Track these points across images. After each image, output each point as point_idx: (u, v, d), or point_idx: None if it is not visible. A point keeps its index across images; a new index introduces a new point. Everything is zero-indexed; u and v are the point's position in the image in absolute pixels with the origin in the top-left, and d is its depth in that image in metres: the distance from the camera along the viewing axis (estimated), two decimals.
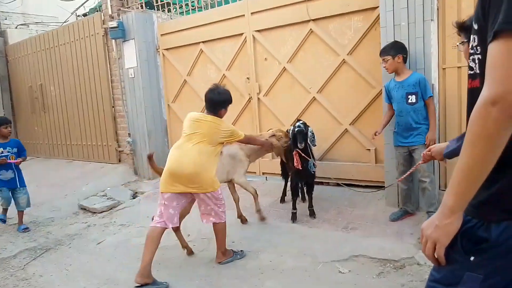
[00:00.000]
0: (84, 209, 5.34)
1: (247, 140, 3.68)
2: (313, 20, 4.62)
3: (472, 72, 1.15)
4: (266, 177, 5.40)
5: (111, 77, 6.69)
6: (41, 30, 9.65)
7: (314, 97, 4.75)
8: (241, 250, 3.51)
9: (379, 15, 3.99)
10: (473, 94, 1.02)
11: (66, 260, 3.77)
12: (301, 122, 4.01)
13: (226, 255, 3.38)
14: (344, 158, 4.66)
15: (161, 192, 3.20)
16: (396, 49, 3.53)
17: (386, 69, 3.62)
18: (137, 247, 3.85)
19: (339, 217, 3.99)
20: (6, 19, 10.02)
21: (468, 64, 1.17)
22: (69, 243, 4.21)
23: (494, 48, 0.98)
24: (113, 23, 6.00)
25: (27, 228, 4.72)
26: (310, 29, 4.64)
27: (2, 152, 4.69)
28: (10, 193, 4.79)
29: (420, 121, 3.55)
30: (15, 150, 4.78)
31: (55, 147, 8.32)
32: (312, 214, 4.07)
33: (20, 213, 4.77)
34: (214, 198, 3.23)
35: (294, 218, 4.04)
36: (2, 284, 3.38)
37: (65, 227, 4.75)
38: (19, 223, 4.75)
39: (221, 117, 3.32)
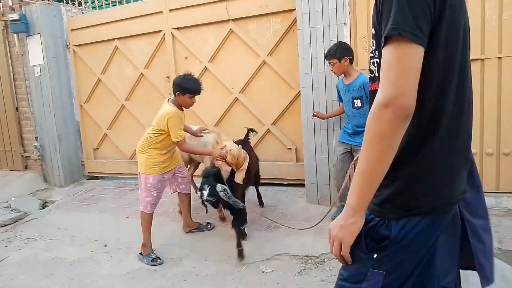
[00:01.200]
0: None
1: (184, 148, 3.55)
2: (232, 19, 4.59)
3: (372, 75, 1.20)
4: None
5: (13, 75, 6.03)
6: None
7: (236, 97, 4.73)
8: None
9: (296, 17, 4.09)
10: (373, 96, 1.05)
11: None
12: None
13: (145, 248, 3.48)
14: (267, 157, 4.71)
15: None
16: (342, 52, 3.46)
17: (334, 72, 3.56)
18: (45, 263, 3.52)
19: (262, 217, 4.02)
20: None
21: (369, 68, 1.21)
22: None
23: (385, 53, 1.02)
24: (14, 16, 5.41)
25: None
26: (230, 29, 4.62)
27: None
28: None
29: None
30: None
31: None
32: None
33: None
34: (143, 182, 3.41)
35: (240, 255, 3.28)
36: None
37: None
38: None
39: (178, 105, 3.42)
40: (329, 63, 3.54)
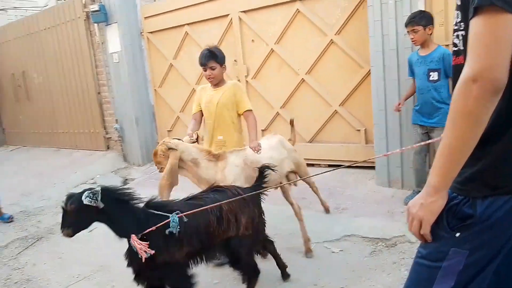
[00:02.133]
0: None
1: None
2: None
3: (456, 49, 1.15)
4: None
5: (95, 63, 6.54)
6: (20, 15, 9.33)
7: (303, 78, 4.71)
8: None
9: None
10: (458, 71, 1.01)
11: (58, 248, 3.74)
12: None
13: None
14: (334, 139, 4.67)
15: None
16: (428, 19, 3.27)
17: (414, 41, 3.36)
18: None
19: (330, 198, 4.01)
20: None
21: (453, 41, 1.16)
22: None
23: (475, 25, 0.97)
24: (95, 7, 5.83)
25: (11, 216, 4.66)
26: (297, 9, 4.57)
27: None
28: None
29: (443, 100, 3.31)
30: None
31: (41, 135, 8.17)
32: None
33: None
34: None
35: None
36: None
37: (56, 216, 4.68)
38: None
39: None
40: (412, 30, 3.31)
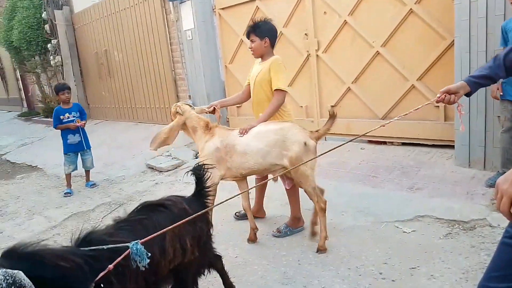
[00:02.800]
0: (151, 168, 5.64)
1: None
2: None
3: None
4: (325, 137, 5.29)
5: (170, 40, 6.80)
6: None
7: (377, 51, 4.49)
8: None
9: None
10: None
11: None
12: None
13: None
14: (410, 116, 4.38)
15: None
16: None
17: None
18: None
19: (403, 177, 3.85)
20: None
21: None
22: (139, 198, 4.50)
23: None
24: None
25: (95, 183, 5.17)
26: None
27: (68, 118, 5.03)
28: (77, 157, 5.16)
29: None
30: (78, 114, 5.11)
31: (121, 110, 8.78)
32: None
33: (87, 172, 5.24)
34: None
35: None
36: None
37: (135, 184, 5.07)
38: (87, 180, 5.23)
39: None
40: None
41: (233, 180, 3.06)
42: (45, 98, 11.31)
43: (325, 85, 5.07)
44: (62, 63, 9.87)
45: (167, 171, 5.41)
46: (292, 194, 3.20)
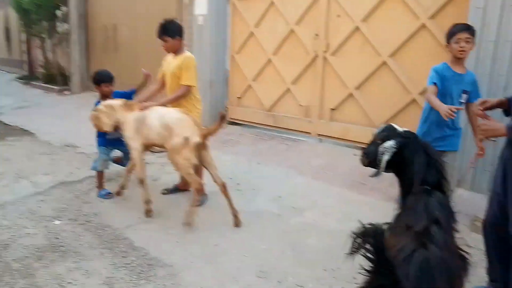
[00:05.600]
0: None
1: None
2: None
3: None
4: (320, 139, 5.31)
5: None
6: None
7: (384, 61, 4.48)
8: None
9: None
10: None
11: (127, 192, 4.01)
12: None
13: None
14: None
15: None
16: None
17: (461, 52, 2.88)
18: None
19: (391, 188, 3.85)
20: None
21: None
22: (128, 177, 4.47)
23: None
24: None
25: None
26: None
27: None
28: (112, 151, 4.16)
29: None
30: None
31: (123, 86, 8.68)
32: None
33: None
34: None
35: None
36: (71, 204, 3.71)
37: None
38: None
39: None
40: (466, 39, 2.86)
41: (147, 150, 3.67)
42: (47, 64, 11.22)
43: (328, 88, 5.06)
44: (69, 31, 9.78)
45: (159, 152, 5.38)
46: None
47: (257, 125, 6.11)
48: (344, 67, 4.89)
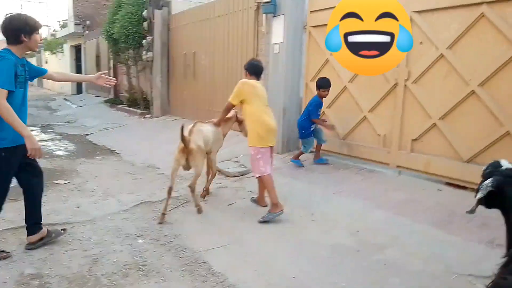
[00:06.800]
0: (218, 171, 5.78)
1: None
2: (487, 2, 4.04)
3: None
4: (399, 170, 5.07)
5: (257, 51, 6.97)
6: (199, 2, 10.49)
7: (473, 90, 4.21)
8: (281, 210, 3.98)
9: None
10: None
11: (203, 214, 4.14)
12: None
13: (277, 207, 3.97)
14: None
15: (262, 147, 4.05)
16: None
17: None
18: (264, 213, 4.04)
19: (483, 229, 3.54)
20: None
21: None
22: (205, 199, 4.62)
23: None
24: None
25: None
26: (482, 12, 4.07)
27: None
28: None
29: None
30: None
31: (200, 111, 9.13)
32: None
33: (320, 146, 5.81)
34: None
35: None
36: (152, 223, 3.90)
37: (202, 185, 5.21)
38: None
39: None
40: None
41: None
42: (131, 89, 12.15)
43: (408, 117, 4.86)
44: (153, 59, 10.54)
45: (233, 176, 5.50)
46: (261, 183, 4.23)
47: (331, 153, 6.02)
48: (427, 96, 4.67)
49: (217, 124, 4.62)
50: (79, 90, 20.69)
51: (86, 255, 3.22)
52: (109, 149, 7.56)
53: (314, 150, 5.79)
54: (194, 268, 3.06)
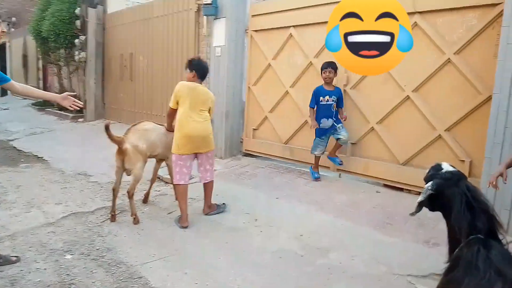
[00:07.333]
0: (158, 177, 5.49)
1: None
2: (419, 12, 4.23)
3: None
4: (340, 173, 5.15)
5: (198, 54, 6.78)
6: (137, 2, 10.07)
7: (408, 95, 4.38)
8: (223, 203, 4.18)
9: (500, 12, 3.55)
10: None
11: (139, 224, 3.87)
12: None
13: (212, 208, 4.09)
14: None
15: (181, 155, 3.82)
16: None
17: None
18: (206, 222, 3.87)
19: (420, 229, 3.66)
20: None
21: None
22: (143, 208, 4.34)
23: None
24: (208, 0, 6.03)
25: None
26: (415, 22, 4.26)
27: (327, 101, 4.70)
28: (328, 139, 4.84)
29: None
30: (336, 99, 4.73)
31: (136, 114, 8.71)
32: None
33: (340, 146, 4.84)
34: (211, 157, 4.03)
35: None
36: (83, 237, 3.56)
37: (139, 193, 4.90)
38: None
39: None
40: None
41: None
42: (62, 91, 11.34)
43: (349, 121, 4.95)
44: (86, 59, 9.92)
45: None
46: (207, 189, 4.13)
47: (273, 157, 5.99)
48: (365, 102, 4.80)
49: (168, 130, 4.21)
50: (3, 92, 19.01)
51: (2, 276, 2.83)
52: (36, 155, 6.91)
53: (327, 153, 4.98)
54: (128, 284, 2.80)
